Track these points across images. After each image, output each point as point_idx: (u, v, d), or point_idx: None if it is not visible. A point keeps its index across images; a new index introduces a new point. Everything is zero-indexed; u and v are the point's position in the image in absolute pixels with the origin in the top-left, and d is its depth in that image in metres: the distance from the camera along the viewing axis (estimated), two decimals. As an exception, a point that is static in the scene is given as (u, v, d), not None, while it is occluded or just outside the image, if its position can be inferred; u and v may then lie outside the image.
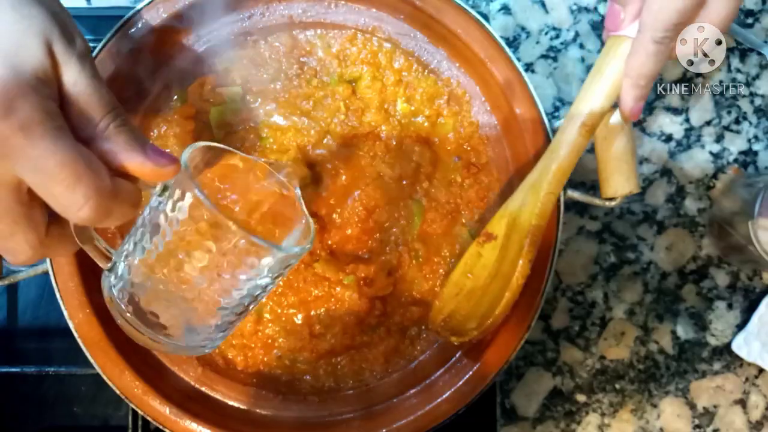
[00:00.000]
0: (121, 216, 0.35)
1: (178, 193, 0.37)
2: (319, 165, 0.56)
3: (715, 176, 0.68)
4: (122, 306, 0.39)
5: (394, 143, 0.56)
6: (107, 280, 0.40)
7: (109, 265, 0.39)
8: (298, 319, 0.55)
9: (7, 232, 0.34)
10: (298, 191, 0.46)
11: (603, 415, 0.67)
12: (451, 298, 0.54)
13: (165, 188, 0.37)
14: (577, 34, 0.69)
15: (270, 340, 0.55)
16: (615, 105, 0.50)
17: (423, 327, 0.56)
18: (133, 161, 0.35)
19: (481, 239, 0.53)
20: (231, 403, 0.55)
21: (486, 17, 0.64)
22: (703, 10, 0.42)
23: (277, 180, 0.46)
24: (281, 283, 0.54)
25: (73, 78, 0.35)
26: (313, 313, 0.55)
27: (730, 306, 0.68)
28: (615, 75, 0.46)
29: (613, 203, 0.52)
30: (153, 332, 0.39)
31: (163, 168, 0.36)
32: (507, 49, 0.54)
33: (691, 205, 0.68)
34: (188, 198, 0.36)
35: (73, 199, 0.32)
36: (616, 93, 0.47)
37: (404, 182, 0.56)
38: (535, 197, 0.49)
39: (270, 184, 0.46)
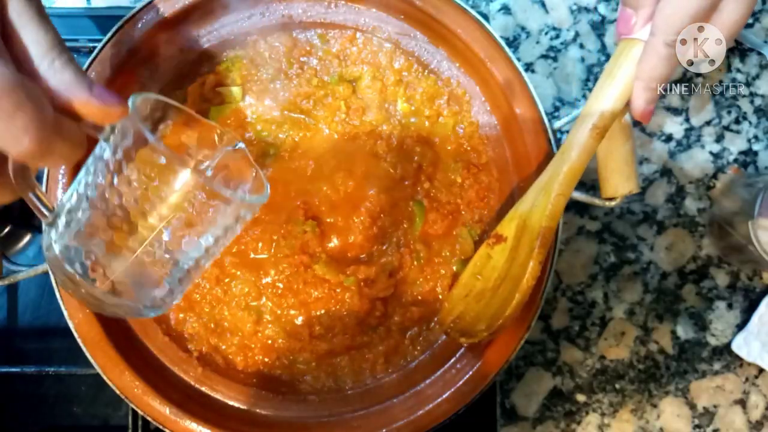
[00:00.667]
0: (62, 155, 0.33)
1: (126, 137, 0.35)
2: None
3: (715, 176, 0.68)
4: (65, 264, 0.37)
5: (395, 143, 0.56)
6: (48, 236, 0.37)
7: (50, 218, 0.37)
8: (298, 320, 0.55)
9: None
10: (243, 145, 0.45)
11: (603, 415, 0.67)
12: (461, 300, 0.54)
13: (112, 132, 0.36)
14: (577, 34, 0.69)
15: (270, 341, 0.55)
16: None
17: (423, 327, 0.56)
18: (79, 97, 0.34)
19: (491, 241, 0.53)
20: (231, 403, 0.55)
21: (486, 17, 0.64)
22: (716, 14, 0.42)
23: (226, 139, 0.45)
24: (281, 285, 0.54)
25: (18, 10, 0.34)
26: (313, 314, 0.55)
27: (730, 306, 0.68)
28: (626, 78, 0.46)
29: (613, 203, 0.52)
30: (102, 291, 0.37)
31: (110, 107, 0.34)
32: (507, 49, 0.54)
33: (691, 205, 0.68)
34: (137, 141, 0.34)
35: (12, 129, 0.31)
36: (627, 96, 0.47)
37: (406, 183, 0.56)
38: (545, 199, 0.49)
39: (219, 142, 0.45)
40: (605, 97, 0.47)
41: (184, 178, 0.35)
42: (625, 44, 0.47)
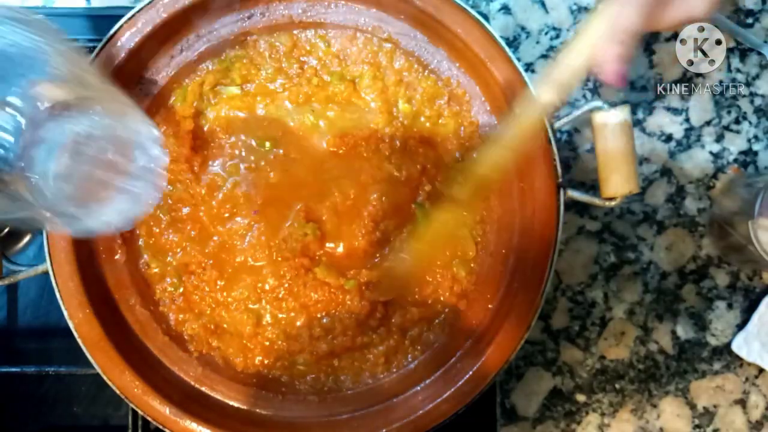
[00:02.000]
0: None
1: None
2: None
3: (715, 176, 0.68)
4: None
5: (399, 144, 0.56)
6: None
7: None
8: (298, 322, 0.55)
9: None
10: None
11: (603, 415, 0.67)
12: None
13: None
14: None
15: (269, 343, 0.55)
16: (612, 104, 0.50)
17: (423, 328, 0.56)
18: None
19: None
20: (231, 403, 0.55)
21: (486, 17, 0.64)
22: None
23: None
24: (281, 289, 0.55)
25: None
26: (313, 316, 0.55)
27: (730, 306, 0.68)
28: (596, 34, 0.45)
29: (613, 203, 0.52)
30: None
31: None
32: (507, 49, 0.53)
33: (691, 205, 0.68)
34: None
35: None
36: (594, 51, 0.45)
37: (410, 185, 0.56)
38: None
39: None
40: (571, 53, 0.46)
41: None
42: (604, 5, 0.45)
